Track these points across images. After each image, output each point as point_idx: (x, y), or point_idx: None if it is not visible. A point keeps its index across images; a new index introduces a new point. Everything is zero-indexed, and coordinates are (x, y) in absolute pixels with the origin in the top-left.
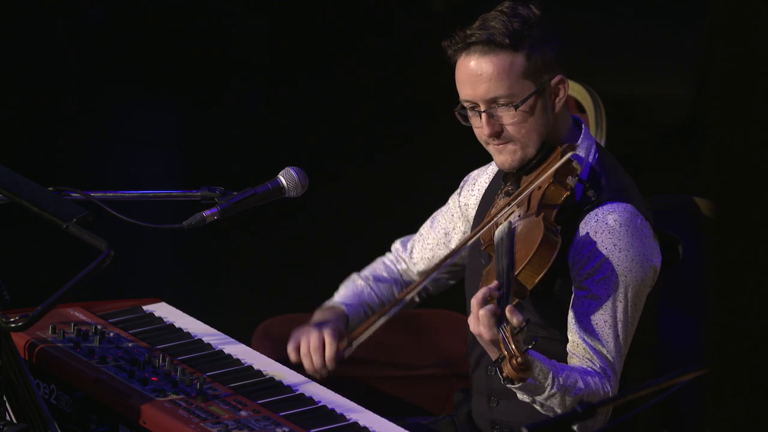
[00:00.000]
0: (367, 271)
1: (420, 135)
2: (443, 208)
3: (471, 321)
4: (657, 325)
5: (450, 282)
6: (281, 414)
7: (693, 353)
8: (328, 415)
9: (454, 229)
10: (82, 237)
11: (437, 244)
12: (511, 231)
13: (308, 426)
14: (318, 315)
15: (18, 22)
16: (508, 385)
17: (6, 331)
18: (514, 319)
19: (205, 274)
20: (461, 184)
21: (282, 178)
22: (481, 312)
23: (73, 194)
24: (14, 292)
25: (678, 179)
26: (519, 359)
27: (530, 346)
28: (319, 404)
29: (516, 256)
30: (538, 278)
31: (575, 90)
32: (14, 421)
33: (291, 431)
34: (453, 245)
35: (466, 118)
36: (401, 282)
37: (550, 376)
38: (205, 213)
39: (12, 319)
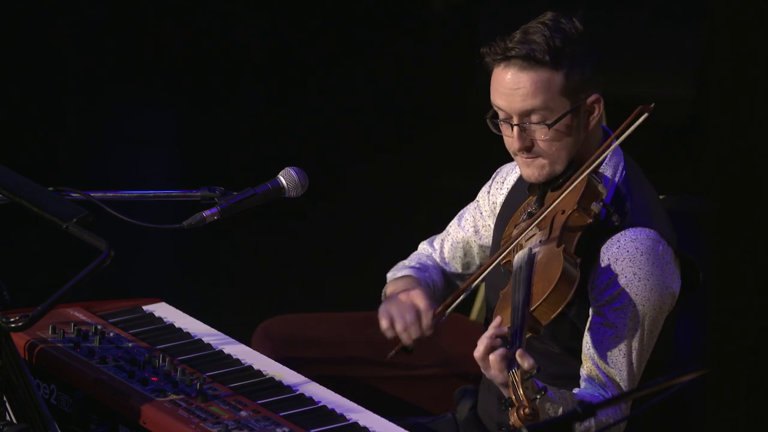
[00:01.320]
0: (414, 258)
1: (422, 136)
2: (470, 205)
3: (480, 364)
4: (673, 343)
5: None
6: (281, 414)
7: (693, 353)
8: (328, 415)
9: (484, 226)
10: (82, 237)
11: (467, 243)
12: (530, 258)
13: (308, 426)
14: (393, 287)
15: (18, 22)
16: None
17: (6, 331)
18: (525, 364)
19: (205, 274)
20: (491, 178)
21: (282, 178)
22: (492, 358)
23: (73, 194)
24: (14, 292)
25: (678, 179)
26: (527, 410)
27: (539, 396)
28: (319, 404)
29: (533, 289)
30: (554, 315)
31: None
32: (14, 421)
33: (291, 431)
34: (484, 241)
35: (497, 126)
36: (441, 274)
37: (560, 411)
38: (205, 213)
39: (12, 319)
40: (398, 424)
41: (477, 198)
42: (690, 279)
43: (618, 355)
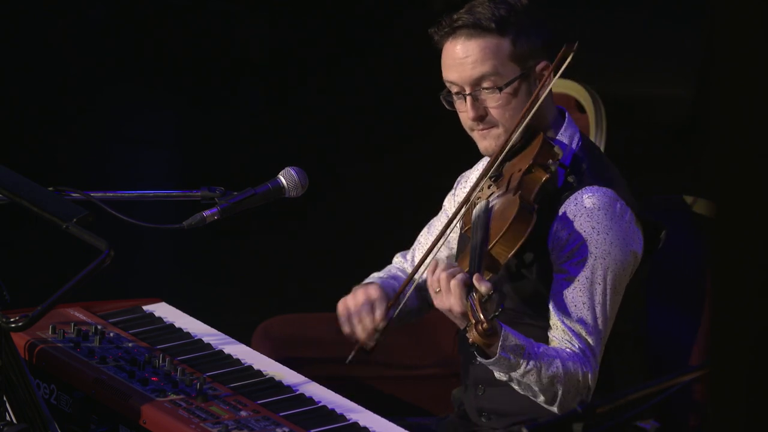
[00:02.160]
0: (383, 272)
1: (422, 136)
2: (439, 213)
3: (440, 297)
4: (647, 319)
5: None
6: (281, 414)
7: (686, 352)
8: (328, 415)
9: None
10: (82, 237)
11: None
12: (488, 209)
13: (308, 426)
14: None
15: (18, 22)
16: (482, 360)
17: (6, 331)
18: (482, 287)
19: (205, 274)
20: (455, 184)
21: (282, 178)
22: (453, 283)
23: (73, 194)
24: (14, 292)
25: (678, 179)
26: (485, 325)
27: (497, 313)
28: (319, 404)
29: (491, 231)
30: (512, 252)
31: (575, 90)
32: (14, 421)
33: (291, 431)
34: (452, 244)
35: (451, 103)
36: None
37: (525, 351)
38: (205, 213)
39: (12, 319)
40: (398, 424)
41: (443, 205)
42: (654, 242)
43: (582, 309)
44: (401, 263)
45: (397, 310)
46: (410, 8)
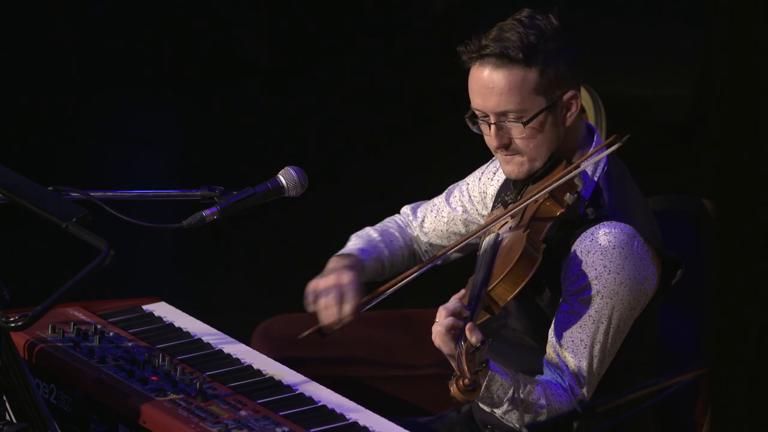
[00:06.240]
0: (379, 227)
1: (422, 135)
2: (460, 185)
3: (433, 331)
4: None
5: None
6: (281, 414)
7: (693, 353)
8: (328, 415)
9: (471, 209)
10: (82, 237)
11: (452, 220)
12: (496, 243)
13: (308, 426)
14: (333, 263)
15: (18, 22)
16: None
17: (6, 331)
18: (473, 338)
19: (205, 274)
20: (486, 164)
21: (282, 178)
22: (440, 326)
23: (73, 194)
24: (14, 292)
25: (678, 179)
26: (466, 381)
27: (480, 369)
28: (319, 404)
29: (493, 271)
30: (511, 296)
31: None
32: (14, 421)
33: (291, 431)
34: (472, 227)
35: (476, 124)
36: (410, 247)
37: (511, 391)
38: (205, 213)
39: (12, 319)
40: (398, 424)
41: (467, 180)
42: (670, 278)
43: (579, 346)
44: (408, 218)
45: (370, 306)
46: (411, 8)
